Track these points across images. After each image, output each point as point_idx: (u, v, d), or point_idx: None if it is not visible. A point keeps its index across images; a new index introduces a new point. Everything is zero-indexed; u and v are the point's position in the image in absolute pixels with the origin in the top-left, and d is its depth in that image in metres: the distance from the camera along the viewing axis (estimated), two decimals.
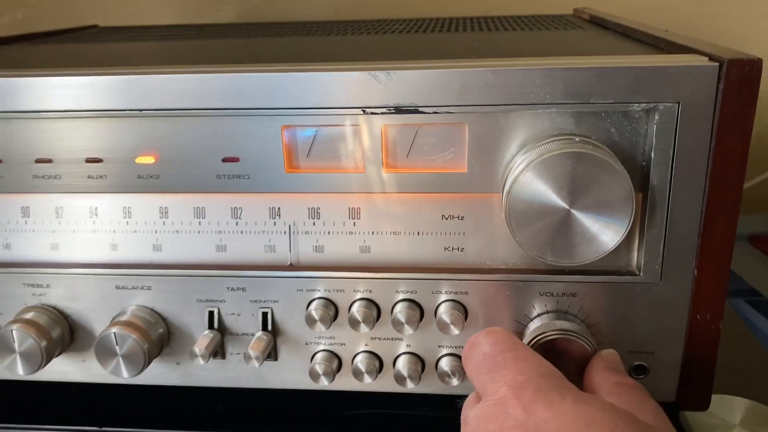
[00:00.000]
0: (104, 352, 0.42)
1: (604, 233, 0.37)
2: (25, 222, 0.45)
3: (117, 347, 0.42)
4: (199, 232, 0.44)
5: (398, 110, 0.39)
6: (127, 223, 0.44)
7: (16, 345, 0.42)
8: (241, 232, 0.44)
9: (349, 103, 0.39)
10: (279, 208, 0.43)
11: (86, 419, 0.48)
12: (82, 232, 0.44)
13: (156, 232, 0.44)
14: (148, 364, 0.42)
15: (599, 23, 0.67)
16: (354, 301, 0.42)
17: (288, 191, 0.42)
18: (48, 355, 0.43)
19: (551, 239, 0.37)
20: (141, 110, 0.40)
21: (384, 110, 0.39)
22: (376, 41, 0.61)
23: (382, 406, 0.47)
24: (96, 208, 0.44)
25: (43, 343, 0.42)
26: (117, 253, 0.44)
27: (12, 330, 0.42)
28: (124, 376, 0.42)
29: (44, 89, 0.40)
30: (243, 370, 0.45)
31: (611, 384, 0.36)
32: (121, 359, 0.42)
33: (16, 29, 1.05)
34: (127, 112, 0.40)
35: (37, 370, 0.42)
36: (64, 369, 0.46)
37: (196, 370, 0.45)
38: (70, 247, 0.45)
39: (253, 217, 0.43)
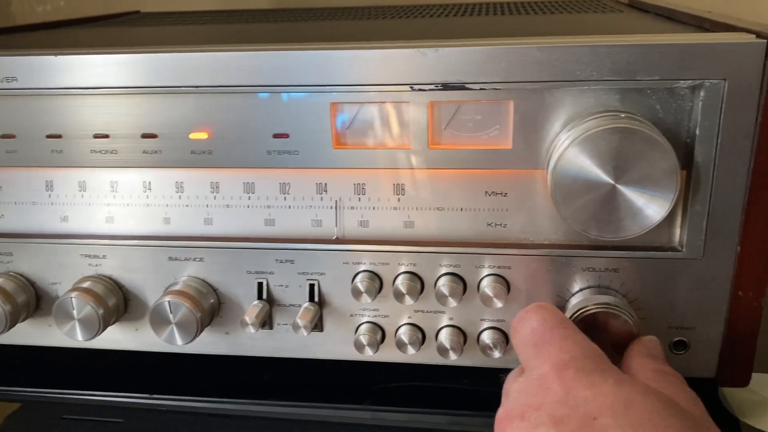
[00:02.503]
0: (159, 319, 0.44)
1: (649, 207, 0.37)
2: (82, 195, 0.47)
3: (171, 315, 0.43)
4: (248, 206, 0.45)
5: (445, 87, 0.40)
6: (180, 197, 0.46)
7: (75, 312, 0.44)
8: (289, 207, 0.45)
9: (396, 80, 0.40)
10: (326, 184, 0.44)
11: (137, 387, 0.49)
12: (136, 205, 0.46)
13: (207, 206, 0.46)
14: (200, 332, 0.44)
15: (638, 7, 0.67)
16: (398, 275, 0.43)
17: (335, 167, 0.43)
18: (105, 323, 0.45)
19: (596, 214, 0.38)
20: (196, 87, 0.42)
21: (431, 87, 0.40)
22: (417, 24, 0.62)
23: (421, 378, 0.48)
24: (150, 183, 0.46)
25: (101, 311, 0.44)
26: (170, 226, 0.46)
27: (71, 297, 0.44)
28: (177, 343, 0.44)
29: (102, 66, 0.42)
30: (290, 340, 0.46)
31: (650, 371, 0.36)
32: (174, 327, 0.44)
33: (59, 16, 1.08)
34: (182, 88, 0.42)
35: (94, 336, 0.44)
36: (117, 337, 0.48)
37: (245, 340, 0.47)
38: (124, 220, 0.46)
39: (301, 192, 0.45)
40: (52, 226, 0.47)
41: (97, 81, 0.42)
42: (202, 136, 0.44)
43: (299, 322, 0.43)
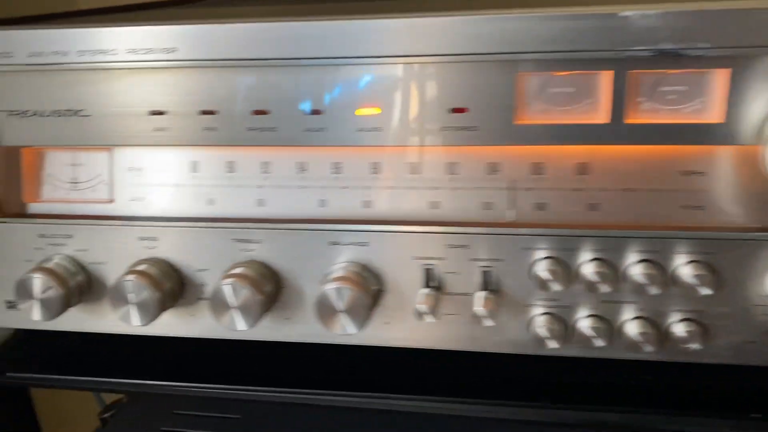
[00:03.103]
0: (325, 309, 0.41)
1: None
2: (230, 177, 0.44)
3: (338, 302, 0.40)
4: (412, 188, 0.42)
5: (655, 53, 0.36)
6: (336, 178, 0.43)
7: (234, 300, 0.41)
8: (457, 189, 0.42)
9: (593, 46, 0.37)
10: (499, 163, 0.41)
11: (257, 379, 0.46)
12: (289, 188, 0.43)
13: (368, 188, 0.43)
14: (367, 319, 0.41)
15: None
16: (585, 262, 0.40)
17: (513, 143, 0.40)
18: (262, 310, 0.42)
19: None
20: (363, 57, 0.38)
21: (639, 52, 0.36)
22: None
23: (597, 373, 0.44)
24: (306, 164, 0.43)
25: (260, 297, 0.41)
26: (325, 209, 0.43)
27: (229, 284, 0.41)
28: (350, 331, 0.41)
29: (270, 33, 0.39)
30: (456, 332, 0.43)
31: None
32: (343, 314, 0.41)
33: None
34: (350, 59, 0.39)
35: (255, 324, 0.42)
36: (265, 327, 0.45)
37: (409, 332, 0.43)
38: (276, 202, 0.44)
39: (470, 172, 0.41)
40: (198, 210, 0.45)
41: (259, 52, 0.39)
42: (375, 111, 0.40)
43: (481, 311, 0.39)
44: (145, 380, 0.48)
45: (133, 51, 0.40)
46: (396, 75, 0.39)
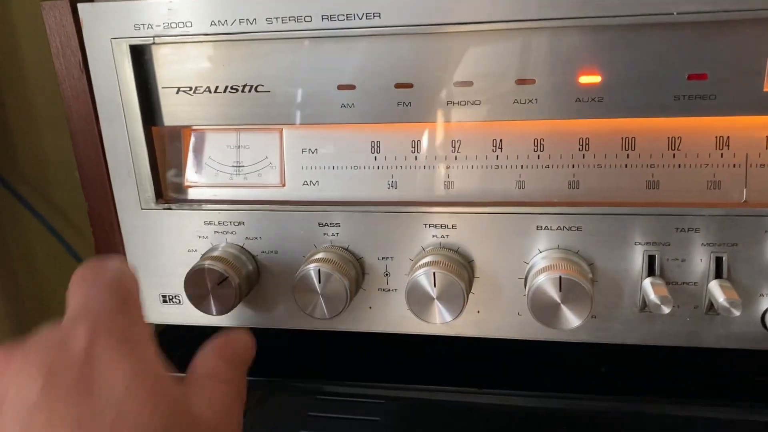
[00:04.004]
0: (542, 305, 0.37)
1: None
2: (415, 157, 0.40)
3: (559, 295, 0.36)
4: (626, 165, 0.38)
5: None
6: (538, 156, 0.39)
7: (435, 290, 0.38)
8: (679, 166, 0.38)
9: None
10: (728, 137, 0.37)
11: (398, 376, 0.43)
12: (483, 167, 0.40)
13: (575, 166, 0.39)
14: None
15: None
16: None
17: (757, 113, 0.36)
18: (465, 301, 0.38)
19: None
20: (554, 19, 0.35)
21: None
22: None
23: None
24: (502, 142, 0.39)
25: (462, 285, 0.38)
26: (524, 191, 0.39)
27: (429, 273, 0.38)
28: (570, 326, 0.37)
29: None
30: (675, 325, 0.39)
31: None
32: (563, 307, 0.37)
33: None
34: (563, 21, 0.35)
35: (459, 314, 0.38)
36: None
37: (614, 324, 0.40)
38: (466, 183, 0.40)
39: (695, 148, 0.37)
40: (380, 193, 0.41)
41: (477, 15, 0.36)
42: (595, 79, 0.37)
43: (726, 302, 0.35)
44: (276, 378, 0.45)
45: (330, 17, 0.37)
46: (612, 38, 0.36)
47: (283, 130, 0.42)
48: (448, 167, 0.40)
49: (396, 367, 0.46)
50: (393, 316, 0.42)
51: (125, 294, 0.30)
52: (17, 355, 0.26)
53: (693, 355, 0.41)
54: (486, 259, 0.40)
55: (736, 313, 0.35)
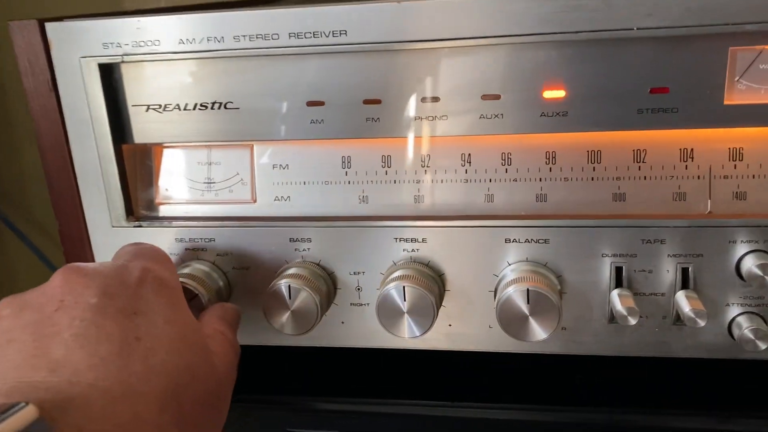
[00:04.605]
0: (510, 314, 0.37)
1: None
2: (386, 172, 0.41)
3: (528, 306, 0.37)
4: (592, 178, 0.39)
5: None
6: (506, 170, 0.39)
7: (405, 304, 0.38)
8: (645, 178, 0.38)
9: None
10: (692, 150, 0.37)
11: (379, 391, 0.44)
12: (455, 181, 0.40)
13: (541, 179, 0.39)
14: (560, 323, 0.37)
15: None
16: None
17: (718, 126, 0.36)
18: (436, 314, 0.38)
19: None
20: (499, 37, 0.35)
21: None
22: None
23: None
24: (469, 155, 0.39)
25: (432, 299, 0.38)
26: (493, 204, 0.40)
27: (401, 287, 0.38)
28: (537, 338, 0.37)
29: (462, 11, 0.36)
30: (643, 336, 0.39)
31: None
32: (531, 319, 0.37)
33: None
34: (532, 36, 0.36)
35: (429, 329, 0.38)
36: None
37: (586, 338, 0.40)
38: (439, 196, 0.40)
39: (660, 161, 0.38)
40: (351, 208, 0.41)
41: (442, 32, 0.36)
42: (559, 94, 0.37)
43: (692, 313, 0.36)
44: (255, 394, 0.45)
45: (297, 35, 0.37)
46: (579, 53, 0.36)
47: (254, 146, 0.42)
48: (418, 181, 0.40)
49: (373, 381, 0.46)
50: (365, 331, 0.42)
51: (166, 257, 0.37)
52: (82, 271, 0.32)
53: (665, 365, 0.42)
54: (457, 273, 0.40)
55: (702, 323, 0.35)
